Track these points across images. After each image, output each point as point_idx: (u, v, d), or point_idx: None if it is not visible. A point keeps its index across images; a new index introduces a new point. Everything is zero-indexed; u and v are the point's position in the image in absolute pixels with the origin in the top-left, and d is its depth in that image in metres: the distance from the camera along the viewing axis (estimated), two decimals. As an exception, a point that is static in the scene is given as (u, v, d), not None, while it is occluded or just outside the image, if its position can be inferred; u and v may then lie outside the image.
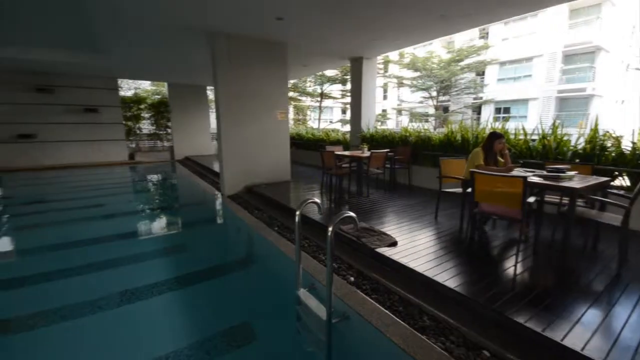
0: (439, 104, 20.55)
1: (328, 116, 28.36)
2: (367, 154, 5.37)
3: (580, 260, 2.97)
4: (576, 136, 4.48)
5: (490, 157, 3.59)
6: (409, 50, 18.74)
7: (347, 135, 9.38)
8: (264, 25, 5.54)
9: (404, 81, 20.96)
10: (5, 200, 7.29)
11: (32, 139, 10.76)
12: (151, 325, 2.56)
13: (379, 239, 3.37)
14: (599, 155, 4.12)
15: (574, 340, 1.82)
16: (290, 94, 19.02)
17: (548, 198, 3.46)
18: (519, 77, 19.84)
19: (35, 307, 2.73)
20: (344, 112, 28.46)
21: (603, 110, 16.66)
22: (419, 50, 19.76)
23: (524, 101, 19.50)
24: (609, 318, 2.06)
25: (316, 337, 2.18)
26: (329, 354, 2.04)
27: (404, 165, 6.37)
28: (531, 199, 3.05)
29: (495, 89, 20.44)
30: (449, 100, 21.29)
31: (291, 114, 22.87)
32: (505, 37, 19.94)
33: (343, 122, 23.42)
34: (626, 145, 4.01)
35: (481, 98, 20.74)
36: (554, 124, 4.75)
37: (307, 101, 23.22)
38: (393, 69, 22.13)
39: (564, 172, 2.91)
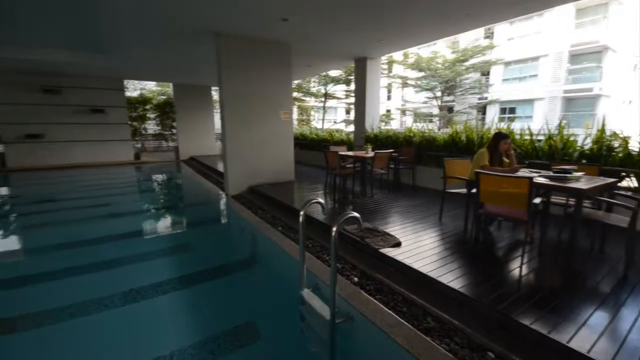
0: (443, 104, 20.46)
1: (332, 116, 28.35)
2: (371, 154, 5.36)
3: (586, 262, 2.94)
4: (583, 137, 4.44)
5: (495, 158, 3.57)
6: (413, 50, 18.67)
7: (351, 136, 9.38)
8: (269, 26, 5.56)
9: (408, 81, 20.90)
10: (14, 200, 7.39)
11: (39, 139, 10.91)
12: (156, 324, 2.58)
13: (382, 240, 3.36)
14: (606, 156, 4.07)
15: (581, 342, 1.81)
16: (294, 94, 19.05)
17: (554, 199, 3.43)
18: (524, 77, 19.69)
19: (42, 305, 2.76)
20: (347, 112, 28.43)
21: (610, 111, 16.46)
22: (424, 50, 19.68)
23: (530, 101, 19.34)
24: (616, 320, 2.04)
25: (320, 337, 2.18)
26: (332, 354, 2.04)
27: (408, 166, 6.35)
28: (537, 200, 3.03)
29: (500, 89, 20.30)
30: (453, 101, 21.19)
31: (295, 114, 22.89)
32: (511, 36, 19.80)
33: (347, 122, 23.40)
34: (634, 146, 3.96)
35: (486, 98, 20.61)
36: (560, 124, 4.70)
37: (311, 101, 23.24)
38: (397, 69, 22.06)
39: (570, 173, 2.88)
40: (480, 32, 19.73)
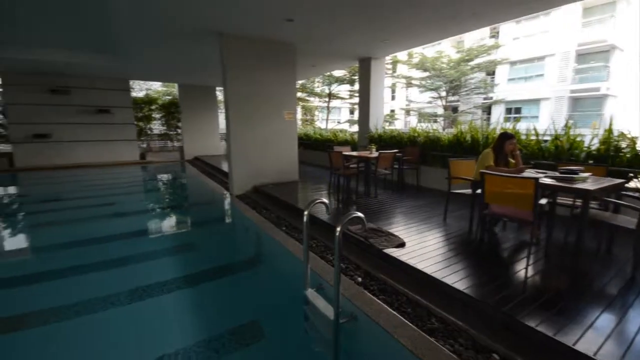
0: (448, 104, 20.35)
1: (336, 116, 28.36)
2: (375, 154, 5.35)
3: (593, 263, 2.90)
4: (590, 137, 4.39)
5: (500, 158, 3.55)
6: (417, 50, 18.60)
7: (355, 136, 9.37)
8: (274, 27, 5.57)
9: (413, 81, 20.82)
10: (22, 198, 7.50)
11: (47, 138, 11.04)
12: (161, 322, 2.60)
13: (386, 240, 3.36)
14: (613, 157, 4.02)
15: (587, 344, 1.79)
16: (298, 94, 19.08)
17: (560, 200, 3.40)
18: (530, 76, 19.51)
19: (48, 303, 2.79)
20: (351, 112, 28.42)
21: (618, 111, 16.26)
22: (428, 50, 19.60)
23: (536, 101, 19.16)
24: (623, 323, 2.02)
25: (324, 337, 2.18)
26: (336, 354, 2.04)
27: (412, 166, 6.33)
28: (543, 201, 3.00)
29: (506, 89, 20.14)
30: (458, 101, 21.06)
31: (299, 115, 22.94)
32: (517, 36, 19.63)
33: (351, 122, 23.40)
34: (642, 147, 3.91)
35: (491, 98, 20.46)
36: (566, 124, 4.66)
37: (315, 101, 23.26)
38: (401, 69, 22.00)
39: (577, 174, 2.85)
40: (485, 31, 19.62)
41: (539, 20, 18.45)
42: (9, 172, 10.49)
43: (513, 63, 19.94)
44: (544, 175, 3.10)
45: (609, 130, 4.15)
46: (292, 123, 7.02)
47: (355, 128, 9.93)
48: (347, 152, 6.20)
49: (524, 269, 2.73)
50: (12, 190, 8.64)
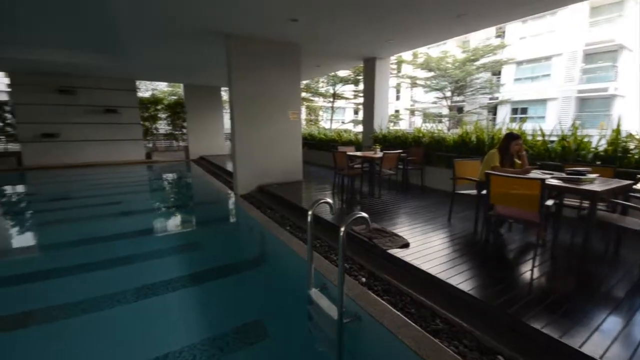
0: (453, 104, 20.23)
1: (340, 117, 28.32)
2: (379, 154, 5.35)
3: (600, 265, 2.87)
4: (597, 137, 4.34)
5: (506, 159, 3.52)
6: (422, 50, 18.51)
7: (360, 136, 9.36)
8: (279, 27, 5.59)
9: (418, 81, 20.72)
10: (30, 197, 7.60)
11: (55, 138, 11.19)
12: (166, 320, 2.62)
13: (391, 240, 3.35)
14: (621, 158, 3.97)
15: (593, 347, 1.77)
16: (303, 94, 19.09)
17: (567, 201, 3.37)
18: (537, 76, 19.33)
19: (57, 300, 2.84)
20: (356, 112, 28.37)
21: (626, 111, 16.04)
22: (433, 50, 19.51)
23: (542, 101, 18.98)
24: (630, 326, 1.99)
25: (327, 336, 2.19)
26: (340, 354, 2.04)
27: (416, 166, 6.31)
28: (549, 202, 2.98)
29: (512, 89, 19.98)
30: (463, 101, 20.93)
31: (303, 115, 22.95)
32: (523, 35, 19.46)
33: (355, 122, 23.35)
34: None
35: (497, 98, 20.30)
36: (573, 124, 4.61)
37: (319, 102, 23.26)
38: (406, 69, 21.91)
39: (584, 175, 2.83)
40: (491, 31, 19.46)
41: (545, 19, 18.27)
42: (18, 170, 10.64)
43: (519, 63, 19.77)
44: (551, 176, 3.08)
45: (617, 131, 4.10)
46: (297, 123, 7.03)
47: (360, 128, 9.92)
48: (352, 152, 6.20)
49: (529, 271, 2.71)
50: (20, 188, 8.77)
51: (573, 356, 1.77)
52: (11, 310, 2.69)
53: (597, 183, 2.79)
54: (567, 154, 4.40)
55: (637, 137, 3.99)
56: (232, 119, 6.26)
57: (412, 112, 25.40)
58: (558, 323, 1.99)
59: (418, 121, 24.09)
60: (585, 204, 3.13)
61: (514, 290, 2.40)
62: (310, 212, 2.50)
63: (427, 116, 22.33)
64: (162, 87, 20.85)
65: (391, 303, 2.41)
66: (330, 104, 20.95)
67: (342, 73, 17.30)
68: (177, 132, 14.86)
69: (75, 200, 7.01)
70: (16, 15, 5.68)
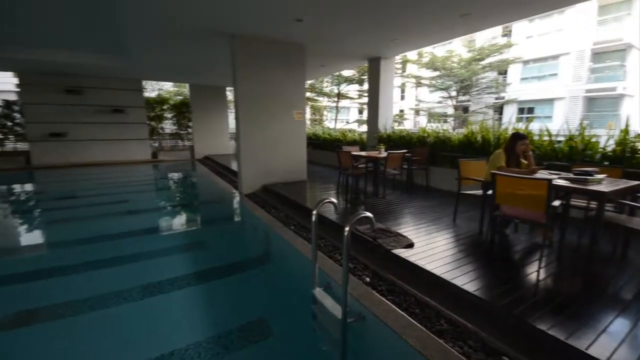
0: (458, 104, 20.11)
1: (345, 116, 28.32)
2: (384, 154, 5.33)
3: (608, 267, 2.84)
4: (605, 138, 4.28)
5: (512, 159, 3.50)
6: (427, 49, 18.42)
7: (364, 136, 9.34)
8: (284, 27, 5.60)
9: (423, 81, 20.64)
10: (38, 196, 7.71)
11: (62, 137, 11.34)
12: (172, 318, 2.65)
13: (395, 240, 3.35)
14: (629, 158, 3.91)
15: (600, 349, 1.75)
16: (307, 94, 19.13)
17: (574, 202, 3.33)
18: (544, 76, 19.12)
19: (64, 297, 2.88)
20: (360, 112, 28.34)
21: (634, 111, 15.80)
22: (439, 49, 19.39)
23: (549, 101, 18.78)
24: (638, 328, 1.97)
25: (331, 336, 2.19)
26: (343, 353, 2.05)
27: (421, 166, 6.28)
28: (556, 203, 2.95)
29: (518, 89, 19.80)
30: (469, 100, 20.79)
31: (308, 114, 22.99)
32: (530, 34, 19.26)
33: (360, 122, 23.32)
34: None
35: (503, 98, 20.13)
36: (581, 124, 4.56)
37: (324, 101, 23.27)
38: (411, 69, 21.83)
39: (591, 175, 2.80)
40: (497, 30, 19.29)
41: (552, 18, 18.07)
42: (26, 169, 10.80)
43: (526, 62, 19.59)
44: (558, 176, 3.05)
45: (625, 131, 4.04)
46: (301, 123, 7.04)
47: (364, 128, 9.90)
48: (356, 152, 6.19)
49: (535, 272, 2.68)
50: (29, 187, 8.90)
51: (579, 358, 1.75)
52: (20, 307, 2.73)
53: (604, 183, 2.75)
54: (575, 154, 4.35)
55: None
56: (237, 118, 6.29)
57: (417, 112, 25.29)
58: (564, 325, 1.97)
59: (423, 121, 23.98)
60: (593, 204, 3.09)
61: (519, 291, 2.38)
62: (314, 212, 2.50)
63: (432, 116, 22.23)
64: (168, 87, 21.03)
65: (395, 303, 2.41)
66: (334, 104, 20.94)
67: (347, 73, 17.29)
68: (182, 132, 14.98)
69: (83, 199, 7.10)
70: (25, 15, 5.77)
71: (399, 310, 2.29)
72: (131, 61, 8.78)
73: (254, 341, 2.30)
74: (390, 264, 3.06)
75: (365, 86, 16.05)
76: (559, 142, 4.71)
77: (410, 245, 3.26)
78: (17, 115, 11.45)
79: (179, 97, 17.19)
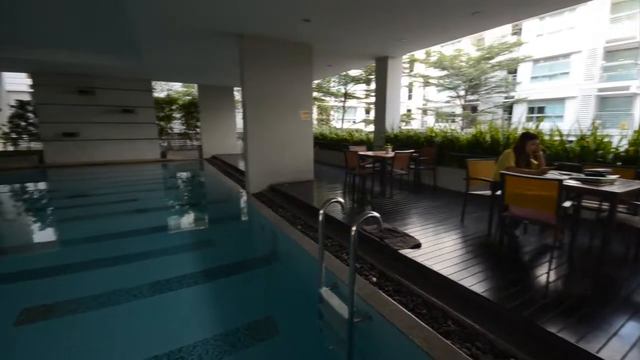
0: (466, 103, 19.89)
1: (351, 116, 28.26)
2: (391, 154, 5.31)
3: (620, 269, 2.78)
4: (618, 137, 4.20)
5: (522, 159, 3.45)
6: (435, 48, 18.27)
7: (371, 136, 9.32)
8: (291, 27, 5.62)
9: (430, 80, 20.48)
10: (51, 194, 7.88)
11: (75, 137, 11.57)
12: (180, 315, 2.68)
13: (402, 241, 3.33)
14: (643, 158, 3.83)
15: (611, 353, 1.72)
16: (314, 94, 19.13)
17: (586, 203, 3.27)
18: (555, 74, 18.79)
19: (75, 294, 2.94)
20: (367, 112, 28.24)
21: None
22: (447, 48, 19.22)
23: (560, 100, 18.45)
24: (652, 332, 1.93)
25: (337, 335, 2.20)
26: (350, 353, 2.05)
27: (429, 166, 6.24)
28: (567, 204, 2.90)
29: (528, 88, 19.49)
30: (477, 100, 20.54)
31: (315, 114, 23.00)
32: (540, 32, 18.94)
33: (366, 122, 23.24)
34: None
35: (513, 97, 19.84)
36: (593, 124, 4.47)
37: (330, 101, 23.26)
38: (419, 68, 21.67)
39: (604, 176, 2.74)
40: (507, 28, 19.02)
41: (564, 16, 17.74)
42: (39, 168, 11.04)
43: (536, 61, 19.28)
44: (569, 177, 3.00)
45: (639, 131, 3.96)
46: (308, 123, 7.06)
47: (371, 128, 9.87)
48: (363, 151, 6.18)
49: (545, 274, 2.64)
50: (42, 185, 9.09)
51: (590, 361, 1.72)
52: (34, 303, 2.80)
53: (617, 184, 2.70)
54: (586, 154, 4.27)
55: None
56: (244, 118, 6.33)
57: (425, 112, 25.10)
58: (575, 327, 1.94)
59: (430, 121, 23.79)
60: (605, 206, 3.04)
61: (529, 293, 2.35)
62: (321, 212, 2.51)
63: (439, 115, 22.03)
64: (176, 87, 21.25)
65: (402, 303, 2.40)
66: (341, 104, 20.92)
67: (354, 72, 17.25)
68: (190, 132, 15.14)
69: (94, 198, 7.24)
70: (38, 17, 5.92)
71: (406, 311, 2.28)
72: (141, 62, 8.90)
73: (260, 339, 2.32)
74: (397, 264, 3.05)
75: (373, 86, 16.00)
76: (571, 142, 4.63)
77: (417, 245, 3.25)
78: (31, 115, 11.72)
79: (188, 98, 17.37)
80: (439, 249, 3.17)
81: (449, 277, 2.59)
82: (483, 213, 4.17)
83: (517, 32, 19.90)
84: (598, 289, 2.46)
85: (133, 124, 12.51)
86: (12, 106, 11.71)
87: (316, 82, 17.63)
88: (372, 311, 2.30)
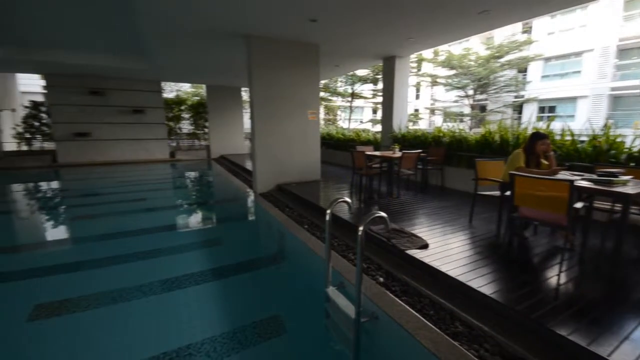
0: (475, 102, 19.66)
1: (358, 116, 28.19)
2: (398, 154, 5.29)
3: (632, 271, 2.72)
4: (631, 137, 4.11)
5: (532, 159, 3.41)
6: (444, 47, 18.12)
7: (378, 136, 9.29)
8: (298, 27, 5.64)
9: (438, 79, 20.31)
10: (64, 192, 8.05)
11: (87, 137, 11.80)
12: (188, 312, 2.71)
13: (409, 241, 3.32)
14: (658, 159, 3.75)
15: (622, 356, 1.69)
16: (321, 94, 19.13)
17: (598, 204, 3.21)
18: (566, 73, 18.45)
19: (87, 290, 3.00)
20: (374, 112, 28.15)
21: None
22: (455, 47, 19.03)
23: (572, 99, 18.11)
24: (667, 336, 1.89)
25: (344, 335, 2.20)
26: (356, 352, 2.05)
27: (436, 167, 6.20)
28: (579, 205, 2.86)
29: (539, 87, 19.17)
30: (486, 99, 20.29)
31: (322, 114, 23.00)
32: (551, 30, 18.62)
33: (373, 122, 23.18)
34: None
35: (523, 96, 19.54)
36: (606, 123, 4.38)
37: (337, 101, 23.24)
38: (427, 67, 21.51)
39: (616, 176, 2.69)
40: (517, 26, 18.76)
41: (575, 14, 17.42)
42: (53, 167, 11.29)
43: (547, 59, 18.97)
44: (580, 177, 2.95)
45: (654, 131, 3.87)
46: (315, 123, 7.07)
47: (378, 128, 9.85)
48: (370, 152, 6.17)
49: (556, 276, 2.61)
50: (55, 184, 9.29)
51: (601, 365, 1.70)
52: (47, 299, 2.86)
53: (630, 185, 2.64)
54: (599, 154, 4.19)
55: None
56: (252, 118, 6.38)
57: (432, 111, 24.91)
58: (586, 330, 1.91)
59: (438, 120, 23.59)
60: (618, 207, 2.98)
61: (538, 295, 2.32)
62: (328, 211, 2.52)
63: (447, 115, 21.83)
64: (185, 88, 21.49)
65: (409, 304, 2.39)
66: (348, 104, 20.89)
67: (361, 72, 17.20)
68: (199, 132, 15.30)
69: (105, 196, 7.37)
70: (51, 19, 6.06)
71: (413, 311, 2.28)
72: (150, 63, 9.04)
73: (267, 338, 2.33)
74: (404, 265, 3.04)
75: (380, 85, 15.94)
76: (582, 142, 4.55)
77: (424, 246, 3.23)
78: (44, 115, 11.98)
79: (196, 98, 17.56)
80: (446, 249, 3.15)
81: (456, 278, 2.57)
82: (492, 214, 4.13)
83: (527, 30, 19.61)
84: (610, 292, 2.42)
85: (143, 124, 12.71)
86: (26, 107, 11.99)
87: (323, 82, 17.63)
88: (379, 311, 2.30)
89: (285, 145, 6.71)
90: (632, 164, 3.86)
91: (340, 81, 19.32)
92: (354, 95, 19.53)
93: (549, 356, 1.82)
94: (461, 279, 2.55)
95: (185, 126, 15.39)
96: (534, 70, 19.49)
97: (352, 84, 18.74)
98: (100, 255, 3.87)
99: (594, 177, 2.84)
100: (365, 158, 5.47)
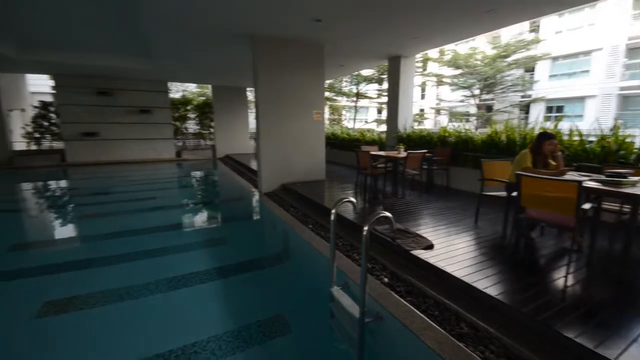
0: (481, 102, 19.50)
1: (363, 116, 28.14)
2: (403, 154, 5.27)
3: (642, 274, 2.69)
4: (642, 138, 4.05)
5: (539, 160, 3.37)
6: (449, 46, 17.99)
7: (383, 136, 9.26)
8: (303, 28, 5.64)
9: (444, 79, 20.18)
10: (72, 191, 8.16)
11: (95, 137, 11.95)
12: (194, 310, 2.74)
13: (414, 241, 3.31)
14: (669, 159, 3.68)
15: (630, 359, 1.67)
16: (326, 94, 19.13)
17: (606, 205, 3.17)
18: (574, 72, 18.20)
19: (95, 287, 3.04)
20: (379, 111, 28.07)
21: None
22: (461, 47, 18.88)
23: (580, 99, 17.86)
24: (676, 340, 1.86)
25: (348, 334, 2.20)
26: (360, 352, 2.05)
27: (442, 167, 6.16)
28: (587, 206, 2.82)
29: (546, 86, 18.94)
30: (493, 99, 20.10)
31: (326, 114, 23.00)
32: (559, 29, 18.39)
33: (378, 122, 23.10)
34: None
35: (530, 96, 19.32)
36: (615, 123, 4.32)
37: (342, 101, 23.22)
38: (432, 67, 21.37)
39: (625, 177, 2.65)
40: (524, 25, 18.56)
41: (584, 12, 17.17)
42: (61, 166, 11.47)
43: (555, 58, 18.73)
44: (589, 178, 2.91)
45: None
46: (320, 123, 7.08)
47: (383, 127, 9.82)
48: (375, 151, 6.15)
49: (563, 277, 2.58)
50: (64, 183, 9.43)
51: (609, 368, 1.68)
52: (56, 296, 2.91)
53: (639, 186, 2.60)
54: (607, 155, 4.13)
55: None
56: (257, 118, 6.40)
57: (438, 111, 24.76)
58: (593, 333, 1.89)
59: (444, 120, 23.44)
60: (626, 208, 2.94)
61: (545, 297, 2.30)
62: (333, 211, 2.52)
63: (453, 115, 21.68)
64: (191, 88, 21.63)
65: (414, 304, 2.39)
66: (353, 104, 20.86)
67: (366, 72, 17.17)
68: (205, 132, 15.40)
69: (112, 195, 7.46)
70: (59, 20, 6.14)
71: (418, 312, 2.27)
72: (157, 63, 9.12)
73: (272, 337, 2.34)
74: (409, 265, 3.03)
75: (385, 85, 15.89)
76: (591, 142, 4.49)
77: (429, 246, 3.22)
78: (53, 115, 12.16)
79: (202, 98, 17.67)
80: (452, 250, 3.13)
81: (462, 279, 2.56)
82: (498, 215, 4.09)
83: (534, 29, 19.38)
84: (618, 294, 2.39)
85: (150, 124, 12.84)
86: (35, 107, 12.18)
87: (328, 82, 17.63)
88: (383, 311, 2.29)
89: (290, 145, 6.73)
90: (641, 165, 3.80)
91: (345, 81, 19.30)
92: (358, 95, 19.49)
93: (555, 359, 1.81)
94: (467, 279, 2.54)
95: (191, 126, 15.50)
96: (542, 69, 19.26)
97: (357, 83, 18.71)
98: (108, 253, 3.92)
99: (603, 177, 2.80)
100: (370, 158, 5.45)
